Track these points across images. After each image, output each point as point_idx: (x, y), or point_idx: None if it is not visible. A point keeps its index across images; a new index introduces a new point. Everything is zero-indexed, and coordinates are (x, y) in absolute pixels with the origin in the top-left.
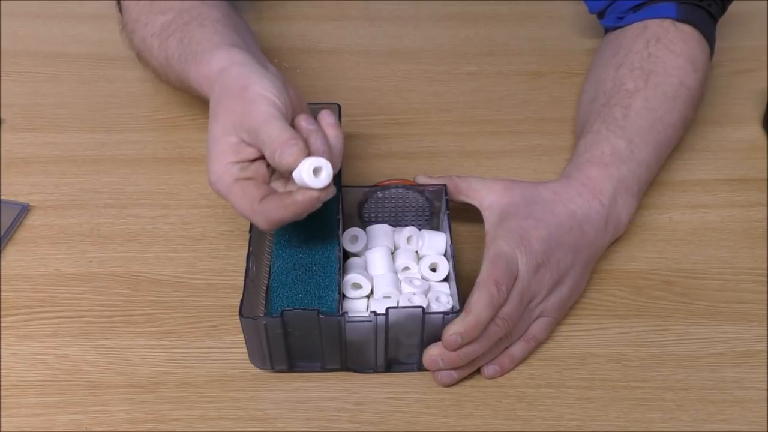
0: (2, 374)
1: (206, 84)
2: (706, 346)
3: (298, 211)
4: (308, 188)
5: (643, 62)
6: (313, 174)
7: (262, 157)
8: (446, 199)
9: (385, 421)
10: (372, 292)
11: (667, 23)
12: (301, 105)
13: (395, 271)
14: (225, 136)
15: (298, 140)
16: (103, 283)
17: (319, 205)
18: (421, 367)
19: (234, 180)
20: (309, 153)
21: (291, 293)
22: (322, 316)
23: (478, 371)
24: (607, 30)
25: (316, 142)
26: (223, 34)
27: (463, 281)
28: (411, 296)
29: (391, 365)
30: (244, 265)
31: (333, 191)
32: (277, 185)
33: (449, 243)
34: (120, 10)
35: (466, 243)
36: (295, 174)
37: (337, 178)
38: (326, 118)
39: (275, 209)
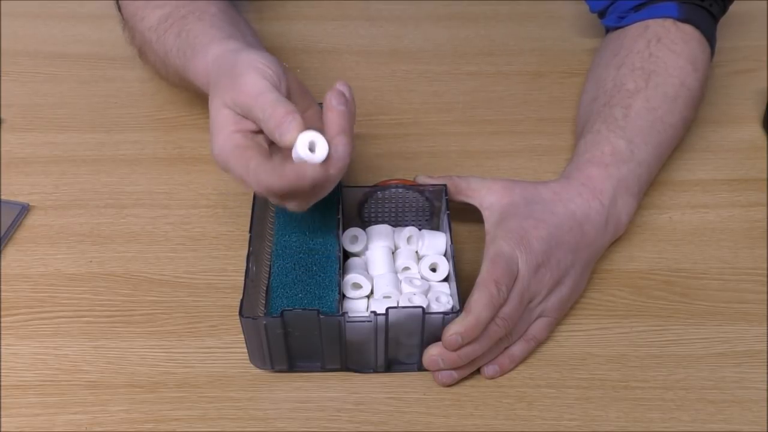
0: (2, 374)
1: (203, 78)
2: (706, 346)
3: (287, 185)
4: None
5: (644, 62)
6: (309, 149)
7: (261, 131)
8: (446, 199)
9: (385, 421)
10: (372, 292)
11: (669, 23)
12: (301, 86)
13: (395, 271)
14: (221, 109)
15: (294, 114)
16: (103, 283)
17: (307, 186)
18: (421, 367)
19: (235, 146)
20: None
21: (291, 293)
22: (322, 316)
23: (478, 371)
24: (608, 30)
25: (338, 149)
26: (221, 27)
27: (463, 281)
28: (411, 296)
29: (391, 365)
30: (244, 265)
31: (324, 175)
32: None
33: (449, 243)
34: (119, 9)
35: (466, 243)
36: (293, 151)
37: None
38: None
39: (267, 173)
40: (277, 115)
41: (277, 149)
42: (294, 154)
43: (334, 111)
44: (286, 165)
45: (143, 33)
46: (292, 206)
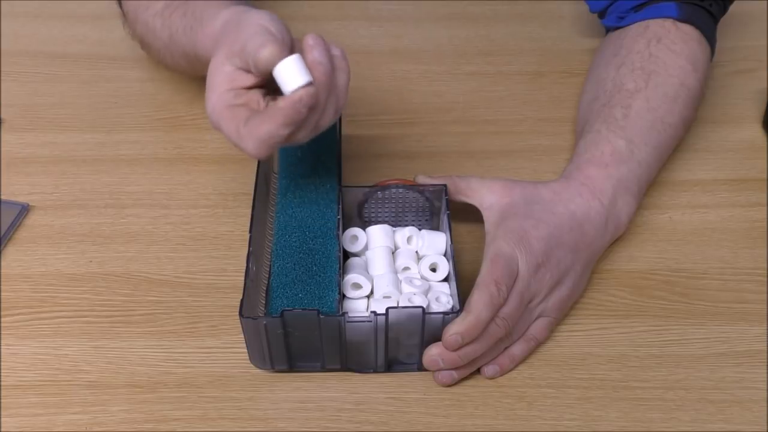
0: (2, 374)
1: (211, 43)
2: (706, 346)
3: (282, 120)
4: (291, 91)
5: (644, 62)
6: (291, 75)
7: (257, 86)
8: (446, 199)
9: (385, 421)
10: (372, 292)
11: (668, 23)
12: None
13: (395, 271)
14: (220, 66)
15: (276, 39)
16: (103, 283)
17: (304, 111)
18: (421, 367)
19: (226, 106)
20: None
21: (291, 293)
22: (322, 316)
23: (478, 371)
24: (608, 30)
25: (313, 52)
26: (227, 2)
27: (463, 281)
28: (411, 296)
29: (391, 365)
30: (244, 265)
31: (313, 96)
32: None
33: (449, 243)
34: (120, 5)
35: (466, 243)
36: (279, 82)
37: (337, 178)
38: (333, 50)
39: (259, 123)
40: (259, 41)
41: (269, 103)
42: (282, 86)
43: (308, 38)
44: (276, 102)
45: (147, 21)
46: (296, 138)
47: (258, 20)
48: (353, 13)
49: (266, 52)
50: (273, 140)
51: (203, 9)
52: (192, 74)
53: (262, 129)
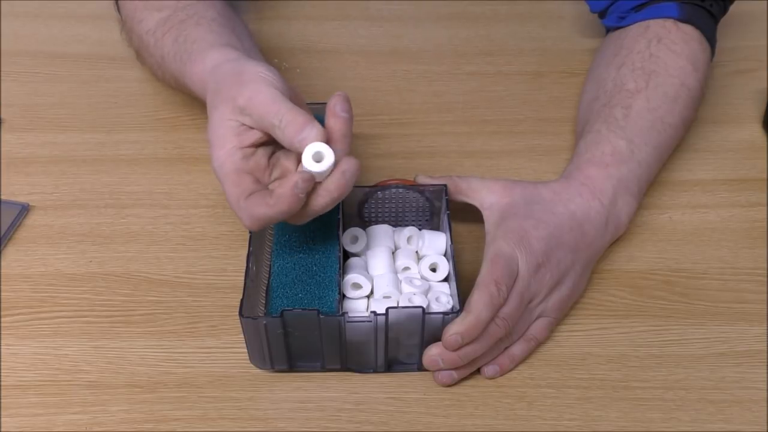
0: (2, 374)
1: (200, 84)
2: (706, 346)
3: (280, 208)
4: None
5: (645, 62)
6: (313, 160)
7: (265, 143)
8: (446, 199)
9: (385, 421)
10: (372, 292)
11: (669, 23)
12: (299, 100)
13: (395, 271)
14: (225, 121)
15: (314, 122)
16: (103, 283)
17: (299, 201)
18: (421, 367)
19: (234, 169)
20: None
21: (291, 293)
22: (322, 316)
23: (478, 371)
24: (609, 30)
25: (342, 140)
26: (219, 33)
27: (463, 281)
28: (411, 296)
29: (391, 365)
30: (244, 265)
31: (307, 181)
32: (276, 185)
33: (449, 243)
34: (118, 9)
35: (466, 243)
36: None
37: None
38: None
39: (258, 205)
40: (298, 122)
41: (275, 162)
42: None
43: (338, 117)
44: (276, 189)
45: (141, 36)
46: (291, 221)
47: (259, 72)
48: (353, 13)
49: (307, 143)
50: (268, 222)
51: (192, 41)
52: (182, 93)
53: (260, 211)
